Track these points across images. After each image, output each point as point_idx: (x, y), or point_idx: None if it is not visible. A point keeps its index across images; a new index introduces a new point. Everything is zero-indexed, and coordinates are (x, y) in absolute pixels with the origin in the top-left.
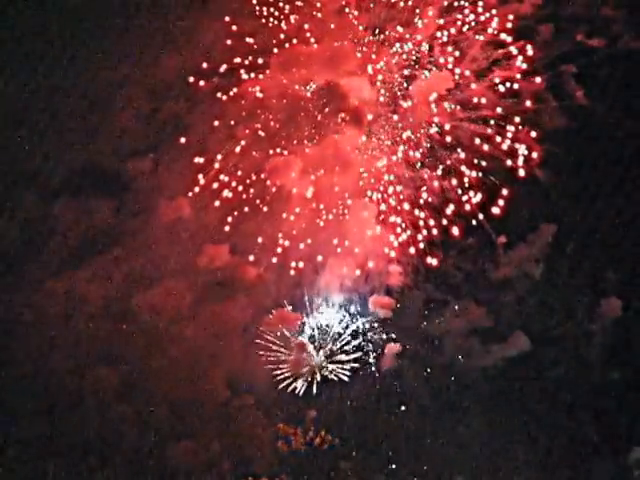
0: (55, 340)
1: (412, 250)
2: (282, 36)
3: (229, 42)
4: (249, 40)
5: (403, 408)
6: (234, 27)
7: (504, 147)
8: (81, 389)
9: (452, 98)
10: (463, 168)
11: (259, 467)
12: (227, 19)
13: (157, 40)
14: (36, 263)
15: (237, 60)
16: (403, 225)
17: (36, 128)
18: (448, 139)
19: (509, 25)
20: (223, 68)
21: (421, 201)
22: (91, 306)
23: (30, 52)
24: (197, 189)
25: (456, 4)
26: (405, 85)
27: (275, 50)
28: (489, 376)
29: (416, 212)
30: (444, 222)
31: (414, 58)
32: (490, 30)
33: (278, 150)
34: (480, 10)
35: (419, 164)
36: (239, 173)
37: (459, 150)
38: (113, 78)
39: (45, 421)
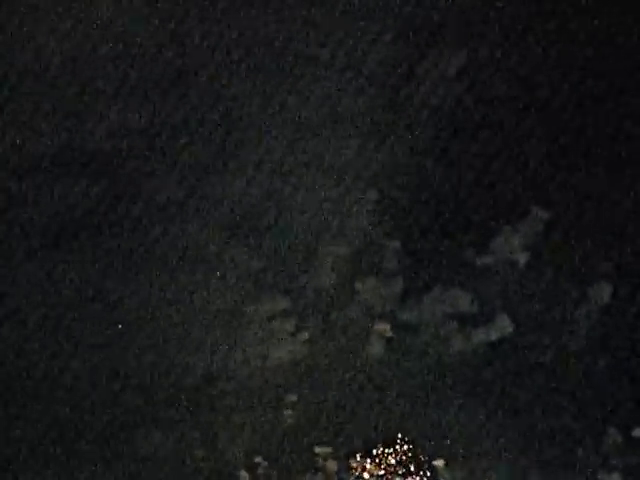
0: (29, 322)
1: None
2: None
3: None
4: None
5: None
6: None
7: None
8: (51, 375)
9: None
10: None
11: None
12: None
13: None
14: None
15: None
16: None
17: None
18: None
19: None
20: None
21: None
22: (70, 291)
23: None
24: None
25: None
26: None
27: None
28: (469, 361)
29: None
30: None
31: None
32: None
33: None
34: None
35: None
36: None
37: None
38: None
39: (9, 406)
